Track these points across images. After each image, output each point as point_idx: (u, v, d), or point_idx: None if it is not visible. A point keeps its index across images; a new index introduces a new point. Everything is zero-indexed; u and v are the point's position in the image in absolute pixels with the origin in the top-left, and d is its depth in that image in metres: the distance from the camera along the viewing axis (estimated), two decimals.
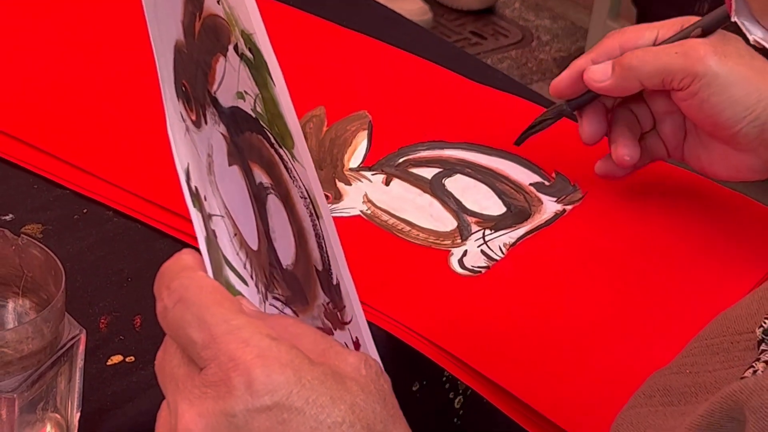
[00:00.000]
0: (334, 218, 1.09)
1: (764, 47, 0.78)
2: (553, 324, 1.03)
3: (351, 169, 1.15)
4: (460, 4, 3.45)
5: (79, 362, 0.86)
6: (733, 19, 0.77)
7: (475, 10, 3.49)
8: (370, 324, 1.01)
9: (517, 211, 1.13)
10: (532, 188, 1.16)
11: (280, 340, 0.71)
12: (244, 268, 0.82)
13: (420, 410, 1.04)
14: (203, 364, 0.70)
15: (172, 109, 0.81)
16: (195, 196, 0.81)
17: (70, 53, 1.26)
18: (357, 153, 1.17)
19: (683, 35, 1.08)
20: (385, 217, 1.11)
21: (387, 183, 1.15)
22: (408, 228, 1.10)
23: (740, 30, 0.80)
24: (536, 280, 1.07)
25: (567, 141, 1.20)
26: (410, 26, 1.43)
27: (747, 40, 0.81)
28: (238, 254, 0.81)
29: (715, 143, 1.10)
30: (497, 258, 1.08)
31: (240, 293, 0.81)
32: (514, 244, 1.10)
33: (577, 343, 1.01)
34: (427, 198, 1.13)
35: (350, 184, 1.14)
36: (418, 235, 1.09)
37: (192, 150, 0.81)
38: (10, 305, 0.89)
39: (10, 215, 1.07)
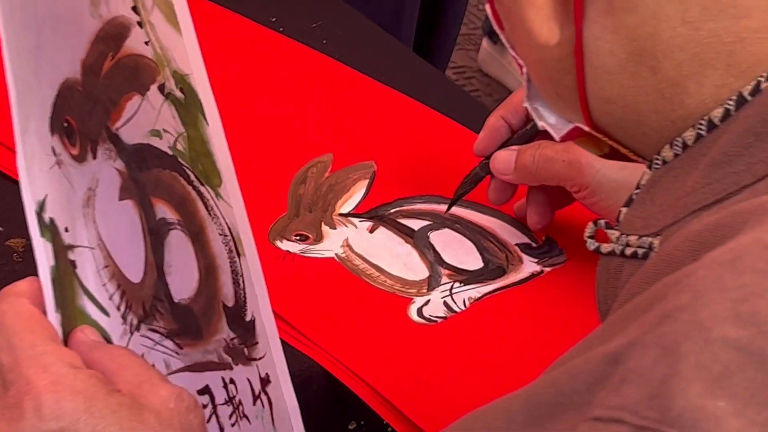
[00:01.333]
0: (306, 258, 1.12)
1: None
2: (487, 379, 1.03)
3: (341, 214, 1.18)
4: None
5: None
6: (525, 104, 0.78)
7: None
8: (308, 360, 1.03)
9: (493, 268, 1.14)
10: (516, 248, 1.17)
11: (81, 369, 0.74)
12: (110, 299, 0.84)
13: None
14: (7, 387, 0.74)
15: (36, 142, 0.83)
16: (47, 227, 0.83)
17: None
18: (351, 200, 1.20)
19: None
20: (357, 261, 1.12)
21: (372, 230, 1.16)
22: (377, 274, 1.11)
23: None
24: (487, 335, 1.07)
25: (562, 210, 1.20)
26: (433, 74, 1.44)
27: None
28: (104, 285, 0.84)
29: None
30: (457, 310, 1.09)
31: (95, 322, 0.83)
32: (479, 298, 1.11)
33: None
34: (407, 248, 1.15)
35: (335, 228, 1.16)
36: (385, 281, 1.11)
37: (60, 183, 0.83)
38: None
39: (0, 228, 1.12)
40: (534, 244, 1.17)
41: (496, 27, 0.75)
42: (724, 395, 0.52)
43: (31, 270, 1.02)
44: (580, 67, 0.69)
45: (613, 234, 0.70)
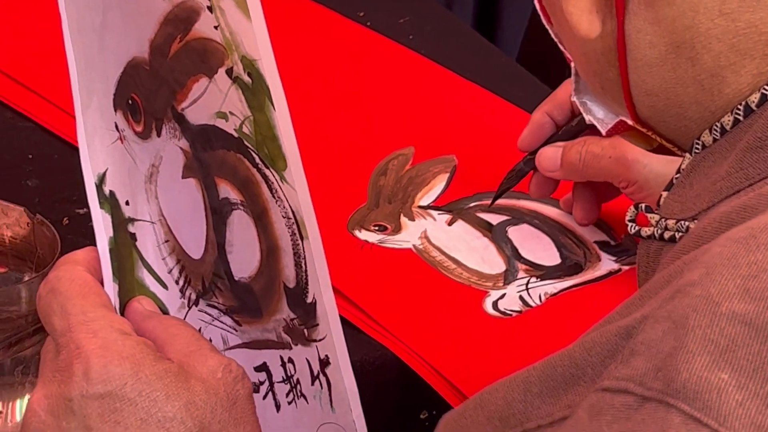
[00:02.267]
0: (385, 248, 1.12)
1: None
2: None
3: (420, 207, 1.18)
4: None
5: None
6: (573, 98, 0.78)
7: None
8: (383, 348, 1.04)
9: (571, 264, 1.14)
10: (594, 245, 1.16)
11: (129, 336, 0.75)
12: (169, 273, 0.85)
13: None
14: (59, 351, 0.75)
15: (98, 117, 0.84)
16: (106, 198, 0.84)
17: None
18: (431, 193, 1.20)
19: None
20: (434, 253, 1.13)
21: (450, 223, 1.16)
22: (454, 266, 1.11)
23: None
24: (562, 331, 1.07)
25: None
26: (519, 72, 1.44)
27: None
28: (164, 259, 0.85)
29: None
30: (533, 305, 1.09)
31: (153, 294, 0.84)
32: (555, 294, 1.10)
33: None
34: (485, 241, 1.15)
35: (413, 220, 1.16)
36: (461, 273, 1.11)
37: (122, 157, 0.84)
38: (25, 278, 0.95)
39: (85, 209, 1.13)
40: (612, 242, 1.17)
41: (545, 22, 0.76)
42: (728, 368, 0.53)
43: None
44: (623, 60, 0.70)
45: (653, 218, 0.71)
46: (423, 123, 1.30)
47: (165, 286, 0.85)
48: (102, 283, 0.81)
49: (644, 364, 0.54)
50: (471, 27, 1.69)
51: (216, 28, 0.75)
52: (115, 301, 0.81)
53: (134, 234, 0.84)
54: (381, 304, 1.06)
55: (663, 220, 0.69)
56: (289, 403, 0.83)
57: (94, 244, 0.98)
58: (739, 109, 0.66)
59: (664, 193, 0.71)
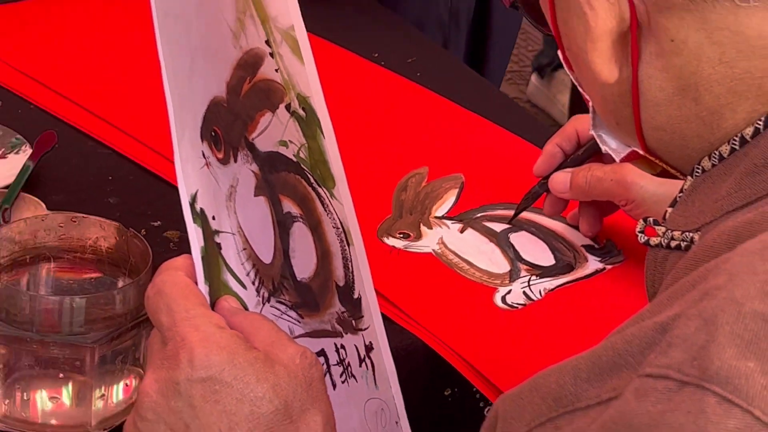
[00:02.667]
0: (408, 253, 1.14)
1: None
2: (568, 354, 1.04)
3: (436, 217, 1.19)
4: None
5: None
6: (591, 132, 0.79)
7: None
8: (413, 336, 1.05)
9: (563, 264, 1.15)
10: (582, 248, 1.18)
11: (225, 329, 0.77)
12: (247, 275, 0.86)
13: (451, 412, 1.06)
14: (166, 342, 0.76)
15: (190, 147, 0.85)
16: (198, 215, 0.85)
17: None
18: (444, 205, 1.21)
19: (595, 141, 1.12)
20: (451, 256, 1.14)
21: (462, 231, 1.18)
22: (467, 267, 1.13)
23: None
24: (560, 320, 1.08)
25: (619, 217, 1.20)
26: (509, 102, 1.46)
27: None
28: (243, 264, 0.86)
29: None
30: (535, 299, 1.10)
31: (235, 293, 0.85)
32: (552, 289, 1.12)
33: None
34: (491, 246, 1.16)
35: (431, 228, 1.17)
36: (474, 273, 1.12)
37: (207, 180, 0.86)
38: (120, 283, 0.95)
39: (159, 222, 1.14)
40: (596, 246, 1.18)
41: (567, 69, 0.76)
42: (753, 357, 0.54)
43: None
44: (636, 101, 0.70)
45: (660, 229, 0.72)
46: (434, 146, 1.31)
47: (244, 287, 0.86)
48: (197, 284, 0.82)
49: (681, 355, 0.55)
50: (463, 62, 1.70)
51: (276, 71, 0.76)
52: (207, 300, 0.82)
53: (220, 244, 0.85)
54: (410, 300, 1.08)
55: (669, 231, 0.70)
56: (343, 382, 0.84)
57: (169, 251, 0.99)
58: (735, 140, 0.67)
59: (669, 209, 0.72)
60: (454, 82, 1.46)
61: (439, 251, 1.15)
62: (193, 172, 0.85)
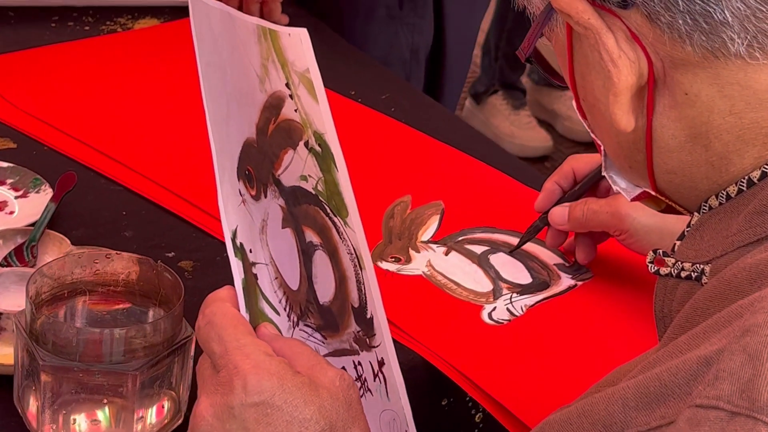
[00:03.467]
0: (401, 276, 1.15)
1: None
2: (550, 363, 1.06)
3: (422, 242, 1.20)
4: (576, 136, 3.45)
5: (191, 353, 0.92)
6: (603, 173, 0.80)
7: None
8: (412, 352, 1.06)
9: (539, 282, 1.17)
10: (554, 267, 1.20)
11: (273, 356, 0.77)
12: (279, 302, 0.87)
13: (448, 420, 1.08)
14: (219, 369, 0.77)
15: (229, 187, 0.86)
16: (239, 249, 0.86)
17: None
18: (429, 230, 1.22)
19: (590, 178, 1.14)
20: (439, 277, 1.15)
21: (447, 254, 1.19)
22: (455, 287, 1.14)
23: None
24: (540, 332, 1.10)
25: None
26: (473, 132, 1.47)
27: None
28: (275, 292, 0.87)
29: None
30: (518, 314, 1.12)
31: (270, 320, 0.86)
32: (532, 305, 1.13)
33: (567, 380, 1.04)
34: (474, 267, 1.18)
35: (419, 252, 1.19)
36: (461, 292, 1.14)
37: (244, 216, 0.86)
38: (150, 312, 0.95)
39: (173, 253, 1.14)
40: (566, 264, 1.20)
41: (580, 118, 0.77)
42: None
43: (200, 285, 1.05)
44: (649, 147, 0.71)
45: (670, 260, 0.72)
46: (414, 176, 1.32)
47: (278, 313, 0.87)
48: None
49: (729, 387, 0.56)
50: (423, 92, 1.72)
51: (296, 110, 0.77)
52: None
53: (256, 275, 0.86)
54: (406, 318, 1.09)
55: (679, 262, 0.71)
56: (361, 396, 0.84)
57: (185, 279, 0.99)
58: (743, 182, 0.68)
59: (677, 242, 0.72)
60: (422, 114, 1.47)
61: (428, 273, 1.16)
62: (232, 210, 0.86)
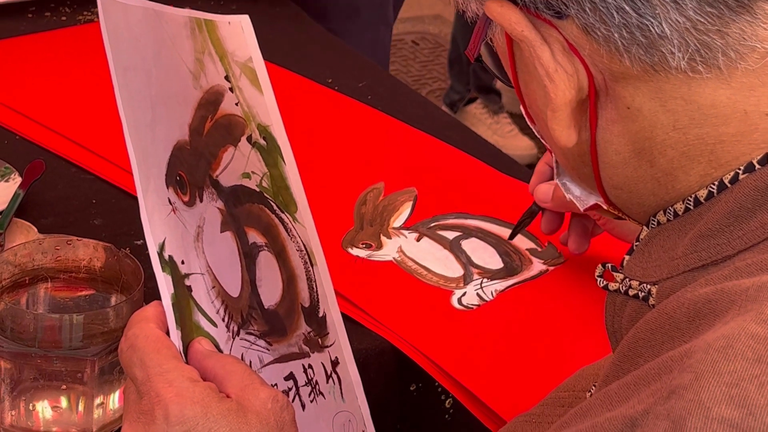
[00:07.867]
0: (371, 261, 1.14)
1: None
2: (519, 349, 1.05)
3: (394, 228, 1.19)
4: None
5: None
6: (555, 179, 0.77)
7: None
8: (381, 338, 1.05)
9: (511, 267, 1.16)
10: (527, 252, 1.18)
11: (197, 382, 0.74)
12: (217, 313, 0.83)
13: (417, 406, 1.07)
14: (141, 396, 0.74)
15: (155, 197, 0.81)
16: (166, 263, 0.81)
17: None
18: (401, 216, 1.21)
19: None
20: (410, 263, 1.14)
21: (418, 240, 1.18)
22: (425, 272, 1.13)
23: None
24: (510, 317, 1.09)
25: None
26: (450, 119, 1.46)
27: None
28: (212, 302, 0.82)
29: None
30: (487, 299, 1.11)
31: (207, 333, 0.82)
32: (503, 290, 1.12)
33: (536, 365, 1.03)
34: (445, 252, 1.16)
35: (390, 238, 1.17)
36: (431, 278, 1.12)
37: (175, 226, 0.82)
38: (113, 299, 0.94)
39: (142, 240, 1.12)
40: (539, 249, 1.19)
41: (529, 122, 0.74)
42: None
43: None
44: (595, 162, 0.68)
45: (618, 276, 0.69)
46: (388, 163, 1.31)
47: (215, 325, 0.83)
48: (168, 332, 0.79)
49: None
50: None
51: (237, 104, 0.73)
52: (179, 344, 0.79)
53: (190, 286, 0.82)
54: (375, 304, 1.08)
55: (627, 279, 0.68)
56: (311, 401, 0.81)
57: (150, 268, 0.97)
58: (690, 200, 0.65)
59: (627, 257, 0.69)
60: (399, 102, 1.46)
61: (399, 259, 1.15)
62: (160, 221, 0.82)
